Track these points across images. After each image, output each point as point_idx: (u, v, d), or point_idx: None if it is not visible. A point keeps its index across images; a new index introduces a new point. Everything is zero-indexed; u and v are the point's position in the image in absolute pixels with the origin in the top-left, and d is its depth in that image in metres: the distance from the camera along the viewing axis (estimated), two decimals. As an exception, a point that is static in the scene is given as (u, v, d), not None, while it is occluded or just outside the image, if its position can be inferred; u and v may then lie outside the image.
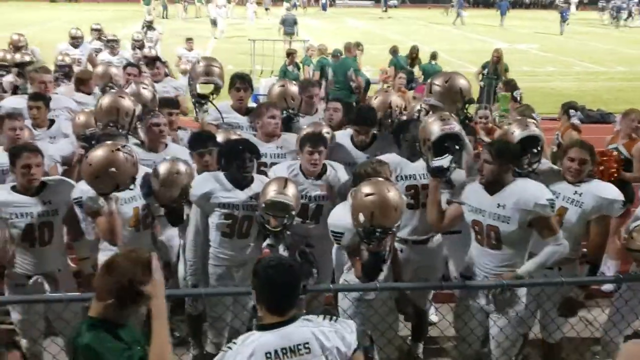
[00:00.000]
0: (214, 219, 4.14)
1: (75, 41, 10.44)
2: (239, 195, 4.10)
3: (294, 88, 5.53)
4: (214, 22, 26.13)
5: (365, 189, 3.55)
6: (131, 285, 2.45)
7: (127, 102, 4.83)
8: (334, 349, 2.56)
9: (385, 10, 42.82)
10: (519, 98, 7.64)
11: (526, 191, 3.73)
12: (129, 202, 4.09)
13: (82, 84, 7.02)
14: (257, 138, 4.93)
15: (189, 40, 13.35)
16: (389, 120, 5.18)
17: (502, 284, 3.65)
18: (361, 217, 3.49)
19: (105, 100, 4.87)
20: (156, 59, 8.14)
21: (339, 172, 4.47)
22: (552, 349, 4.40)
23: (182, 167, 4.16)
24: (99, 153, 3.77)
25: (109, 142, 3.98)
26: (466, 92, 4.59)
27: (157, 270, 2.50)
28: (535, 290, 4.03)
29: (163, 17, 35.82)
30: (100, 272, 2.56)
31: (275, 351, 2.50)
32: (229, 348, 2.54)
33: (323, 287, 4.06)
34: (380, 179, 3.75)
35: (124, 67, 7.32)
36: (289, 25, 22.64)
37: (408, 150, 4.44)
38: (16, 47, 8.78)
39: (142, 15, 31.84)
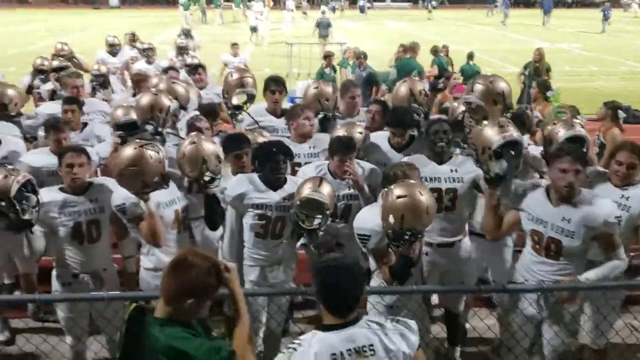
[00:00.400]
0: (248, 220, 4.18)
1: (113, 49, 10.55)
2: (273, 196, 4.13)
3: (328, 89, 5.49)
4: (253, 29, 26.23)
5: (397, 190, 3.50)
6: (206, 282, 2.46)
7: (160, 99, 4.93)
8: (400, 353, 2.51)
9: (430, 11, 42.55)
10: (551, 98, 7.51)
11: (594, 207, 3.60)
12: (170, 205, 4.13)
13: (138, 86, 7.07)
14: (291, 139, 4.96)
15: (234, 45, 13.28)
16: (418, 107, 5.18)
17: (542, 287, 3.58)
18: (391, 219, 3.44)
19: (142, 98, 5.00)
20: (198, 65, 8.17)
21: (366, 172, 4.46)
22: (596, 355, 4.27)
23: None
24: (124, 150, 3.86)
25: (137, 140, 4.07)
26: (507, 96, 4.50)
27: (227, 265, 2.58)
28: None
29: (202, 22, 36.39)
30: (170, 273, 2.52)
31: (341, 352, 2.45)
32: (294, 349, 2.49)
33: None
34: (412, 181, 3.71)
35: (165, 71, 7.39)
36: (323, 28, 23.28)
37: (435, 150, 4.41)
38: (59, 56, 8.93)
39: (181, 20, 32.53)
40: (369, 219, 3.74)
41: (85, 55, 9.98)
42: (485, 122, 4.04)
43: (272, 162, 4.11)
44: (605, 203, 3.66)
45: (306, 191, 3.89)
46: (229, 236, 4.30)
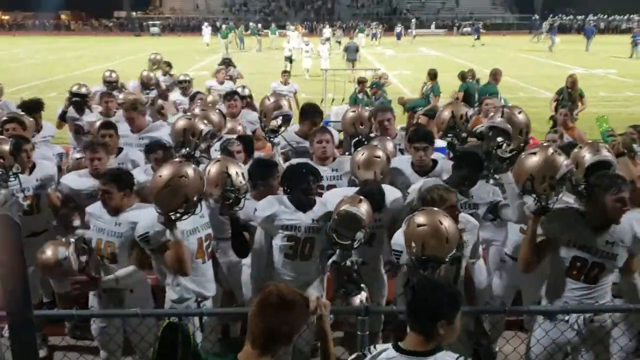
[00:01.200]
0: (277, 241, 4.17)
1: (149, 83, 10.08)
2: (302, 218, 4.13)
3: (365, 114, 5.60)
4: (288, 59, 26.25)
5: (419, 219, 3.49)
6: (299, 317, 2.45)
7: (195, 123, 5.07)
8: None
9: (478, 38, 42.72)
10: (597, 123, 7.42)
11: (631, 226, 3.68)
12: (193, 233, 4.08)
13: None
14: (314, 162, 5.03)
15: (285, 73, 13.24)
16: (457, 131, 5.19)
17: (566, 309, 3.58)
18: (413, 246, 3.47)
19: (177, 122, 5.19)
20: (234, 92, 8.15)
21: (390, 198, 4.43)
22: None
23: (189, 171, 3.82)
24: (167, 166, 3.87)
25: (177, 159, 4.23)
26: (529, 130, 4.50)
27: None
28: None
29: (240, 49, 37.17)
30: (258, 313, 2.43)
31: None
32: (364, 355, 2.55)
33: (384, 309, 4.08)
34: (435, 208, 3.68)
35: (191, 98, 7.47)
36: (351, 53, 24.30)
37: (458, 182, 4.41)
38: (108, 82, 9.18)
39: (219, 47, 33.31)
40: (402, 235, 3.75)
41: (125, 80, 10.27)
42: (533, 150, 3.88)
43: (302, 184, 4.13)
44: (637, 222, 3.71)
45: (345, 206, 3.87)
46: (257, 257, 4.30)
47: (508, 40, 44.70)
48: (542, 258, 3.85)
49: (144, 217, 3.98)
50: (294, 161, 4.94)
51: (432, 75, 12.31)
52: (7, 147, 4.85)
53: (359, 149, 4.92)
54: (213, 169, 4.16)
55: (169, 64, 11.37)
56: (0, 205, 1.96)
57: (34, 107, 6.72)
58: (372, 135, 5.59)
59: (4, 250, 1.95)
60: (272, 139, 5.58)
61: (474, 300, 4.03)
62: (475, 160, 4.49)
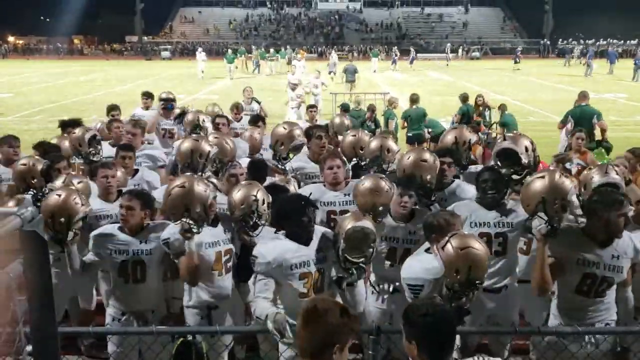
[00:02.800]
0: (293, 283, 3.81)
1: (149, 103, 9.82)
2: (307, 252, 3.88)
3: (365, 138, 5.63)
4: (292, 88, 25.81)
5: (457, 242, 3.46)
6: (344, 324, 2.44)
7: (201, 144, 5.18)
8: None
9: (518, 62, 43.04)
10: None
11: (632, 240, 3.83)
12: (212, 246, 4.18)
13: None
14: (326, 187, 5.07)
15: (311, 108, 10.52)
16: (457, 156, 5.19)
17: (577, 330, 3.59)
18: (457, 272, 3.41)
19: (183, 143, 5.30)
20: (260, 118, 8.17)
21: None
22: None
23: (189, 182, 4.06)
24: (175, 179, 4.14)
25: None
26: (535, 147, 4.62)
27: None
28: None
29: (253, 72, 37.65)
30: (304, 326, 2.45)
31: None
32: None
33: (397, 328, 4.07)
34: (464, 231, 3.74)
35: (213, 120, 7.52)
36: (350, 74, 25.10)
37: (486, 199, 4.41)
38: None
39: (229, 73, 33.62)
40: (418, 269, 3.72)
41: (136, 104, 10.29)
42: (541, 173, 3.99)
43: (305, 216, 3.88)
44: (637, 235, 3.90)
45: (350, 224, 3.80)
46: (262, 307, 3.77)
47: (539, 66, 44.80)
48: (554, 280, 3.87)
49: (170, 227, 4.14)
50: (286, 195, 4.69)
51: (413, 100, 12.44)
52: (39, 167, 4.97)
53: (363, 177, 4.78)
54: (242, 190, 4.26)
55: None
56: (28, 222, 2.01)
57: (72, 126, 6.84)
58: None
59: (31, 266, 2.01)
60: (283, 166, 5.68)
61: None
62: (494, 172, 4.50)
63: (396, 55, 42.96)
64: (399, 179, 4.64)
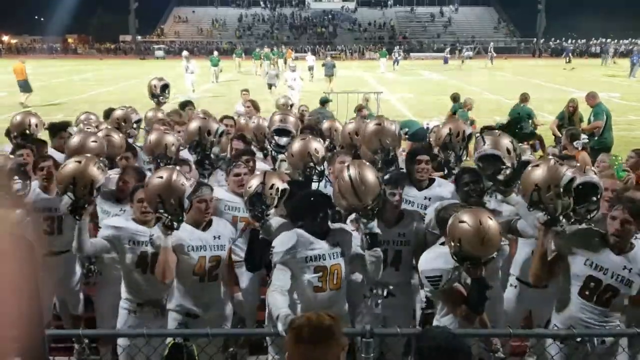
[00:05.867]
0: (305, 276, 3.87)
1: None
2: (324, 245, 3.93)
3: (392, 127, 5.18)
4: (269, 85, 25.39)
5: (463, 216, 3.52)
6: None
7: (209, 122, 5.27)
8: None
9: (569, 61, 43.17)
10: (580, 148, 7.50)
11: None
12: (197, 250, 4.13)
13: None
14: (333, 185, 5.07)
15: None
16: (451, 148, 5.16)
17: (573, 333, 3.57)
18: (452, 243, 3.49)
19: (191, 123, 5.36)
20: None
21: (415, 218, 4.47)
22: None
23: (167, 173, 4.01)
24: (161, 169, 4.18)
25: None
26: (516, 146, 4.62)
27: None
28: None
29: (256, 74, 37.37)
30: (311, 347, 2.34)
31: None
32: None
33: (390, 332, 4.04)
34: (481, 208, 3.79)
35: (221, 120, 7.36)
36: (328, 68, 27.78)
37: (469, 201, 4.41)
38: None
39: (229, 70, 33.33)
40: (435, 259, 3.75)
41: (129, 103, 10.26)
42: (536, 162, 4.01)
43: (321, 212, 3.94)
44: None
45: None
46: (278, 297, 3.76)
47: (504, 64, 44.87)
48: (554, 274, 3.87)
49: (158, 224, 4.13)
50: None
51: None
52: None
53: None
54: (256, 177, 4.32)
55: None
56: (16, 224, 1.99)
57: (61, 128, 6.76)
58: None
59: (18, 272, 1.99)
60: (277, 155, 5.67)
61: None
62: (474, 173, 4.55)
63: (399, 55, 42.94)
64: (388, 179, 4.60)
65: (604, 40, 64.70)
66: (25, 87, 22.30)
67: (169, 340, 3.75)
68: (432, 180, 5.01)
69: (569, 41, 66.93)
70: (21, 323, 2.04)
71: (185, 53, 28.33)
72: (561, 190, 3.67)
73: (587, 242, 3.77)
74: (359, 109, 11.70)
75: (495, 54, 47.64)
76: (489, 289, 3.61)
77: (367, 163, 4.11)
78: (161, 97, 8.58)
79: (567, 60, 44.15)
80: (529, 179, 3.82)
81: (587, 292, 3.73)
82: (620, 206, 3.65)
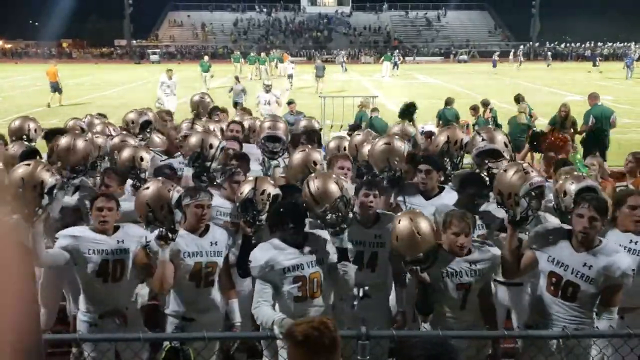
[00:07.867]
0: (285, 288, 3.89)
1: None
2: (301, 255, 3.95)
3: (401, 148, 5.10)
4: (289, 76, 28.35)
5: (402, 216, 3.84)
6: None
7: (209, 137, 5.28)
8: None
9: (597, 65, 43.70)
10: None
11: (616, 256, 3.74)
12: (192, 256, 4.15)
13: None
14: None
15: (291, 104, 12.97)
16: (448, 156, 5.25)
17: (566, 334, 3.62)
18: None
19: (192, 138, 5.36)
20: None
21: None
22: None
23: (154, 185, 4.10)
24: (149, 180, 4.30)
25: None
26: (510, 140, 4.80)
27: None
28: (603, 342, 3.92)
29: (257, 79, 37.09)
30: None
31: None
32: None
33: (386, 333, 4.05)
34: (418, 211, 3.99)
35: (229, 125, 7.12)
36: (319, 70, 29.25)
37: (468, 202, 4.53)
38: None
39: (222, 75, 33.37)
40: None
41: (124, 108, 10.29)
42: (506, 166, 4.18)
43: (294, 222, 3.93)
44: (625, 253, 3.83)
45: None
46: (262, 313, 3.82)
47: (500, 68, 45.04)
48: (525, 269, 4.10)
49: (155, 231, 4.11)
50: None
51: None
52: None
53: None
54: (248, 183, 4.42)
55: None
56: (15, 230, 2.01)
57: (57, 134, 6.74)
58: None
59: (16, 277, 2.01)
60: (271, 161, 5.73)
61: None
62: (478, 179, 4.67)
63: (398, 59, 43.01)
64: (364, 181, 4.69)
65: (599, 44, 65.06)
66: (56, 88, 23.71)
67: (166, 344, 3.77)
68: (441, 189, 5.00)
69: (563, 45, 67.29)
70: (18, 328, 2.06)
71: (163, 77, 19.35)
72: (520, 197, 3.91)
73: (551, 239, 3.93)
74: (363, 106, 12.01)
75: (523, 59, 47.92)
76: (433, 291, 3.81)
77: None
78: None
79: (594, 64, 44.67)
80: (496, 182, 4.10)
81: (552, 288, 3.89)
82: (586, 204, 3.74)
